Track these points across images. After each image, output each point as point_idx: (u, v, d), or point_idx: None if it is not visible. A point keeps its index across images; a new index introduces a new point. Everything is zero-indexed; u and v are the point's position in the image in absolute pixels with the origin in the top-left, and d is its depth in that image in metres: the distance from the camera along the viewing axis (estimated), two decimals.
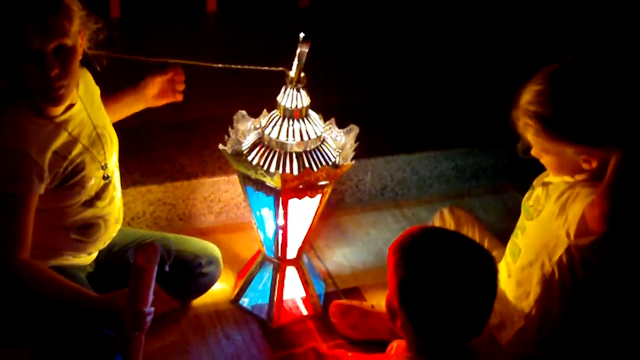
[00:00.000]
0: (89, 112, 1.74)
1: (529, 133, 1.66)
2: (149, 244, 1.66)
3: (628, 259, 1.75)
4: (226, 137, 1.92)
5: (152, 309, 1.65)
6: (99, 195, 1.77)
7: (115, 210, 1.86)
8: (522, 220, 1.85)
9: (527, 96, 1.64)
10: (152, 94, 1.96)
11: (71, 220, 1.74)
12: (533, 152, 1.71)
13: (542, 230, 1.74)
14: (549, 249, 1.74)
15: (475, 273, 1.34)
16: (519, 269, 1.81)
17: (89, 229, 1.79)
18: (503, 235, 1.97)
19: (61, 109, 1.66)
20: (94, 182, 1.74)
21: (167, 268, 1.90)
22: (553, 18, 3.43)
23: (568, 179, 1.72)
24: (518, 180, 2.66)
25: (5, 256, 1.59)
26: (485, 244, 1.99)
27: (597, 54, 1.67)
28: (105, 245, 1.89)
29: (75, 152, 1.68)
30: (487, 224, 2.14)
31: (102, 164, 1.76)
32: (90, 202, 1.76)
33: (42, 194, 1.63)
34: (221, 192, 2.42)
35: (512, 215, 1.94)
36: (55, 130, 1.64)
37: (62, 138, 1.65)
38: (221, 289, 2.16)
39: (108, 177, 1.79)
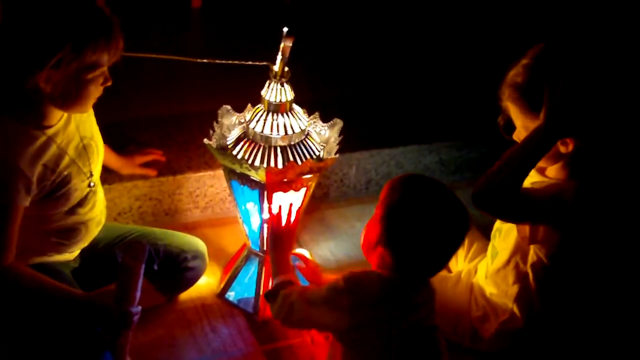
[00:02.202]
0: (77, 123, 1.74)
1: (509, 103, 1.71)
2: (136, 242, 1.65)
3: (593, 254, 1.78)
4: (211, 131, 1.93)
5: (139, 307, 1.65)
6: (81, 202, 1.77)
7: (97, 214, 1.85)
8: (499, 223, 1.87)
9: (513, 69, 1.71)
10: (126, 171, 2.23)
11: (52, 226, 1.74)
12: (515, 135, 1.74)
13: (515, 232, 1.77)
14: (522, 250, 1.77)
15: (450, 218, 1.51)
16: (495, 270, 1.84)
17: (69, 232, 1.79)
18: (486, 229, 1.99)
19: (56, 119, 1.66)
20: (78, 193, 1.74)
21: (155, 267, 1.91)
22: (538, 12, 3.45)
23: (538, 177, 1.75)
24: None
25: None
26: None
27: (584, 40, 1.72)
28: (87, 244, 1.88)
29: (63, 164, 1.68)
30: (471, 217, 2.15)
31: (88, 175, 1.77)
32: (72, 210, 1.75)
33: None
34: (207, 186, 2.43)
35: None
36: (47, 143, 1.64)
37: (52, 151, 1.65)
38: (207, 283, 2.17)
39: (92, 185, 1.79)
